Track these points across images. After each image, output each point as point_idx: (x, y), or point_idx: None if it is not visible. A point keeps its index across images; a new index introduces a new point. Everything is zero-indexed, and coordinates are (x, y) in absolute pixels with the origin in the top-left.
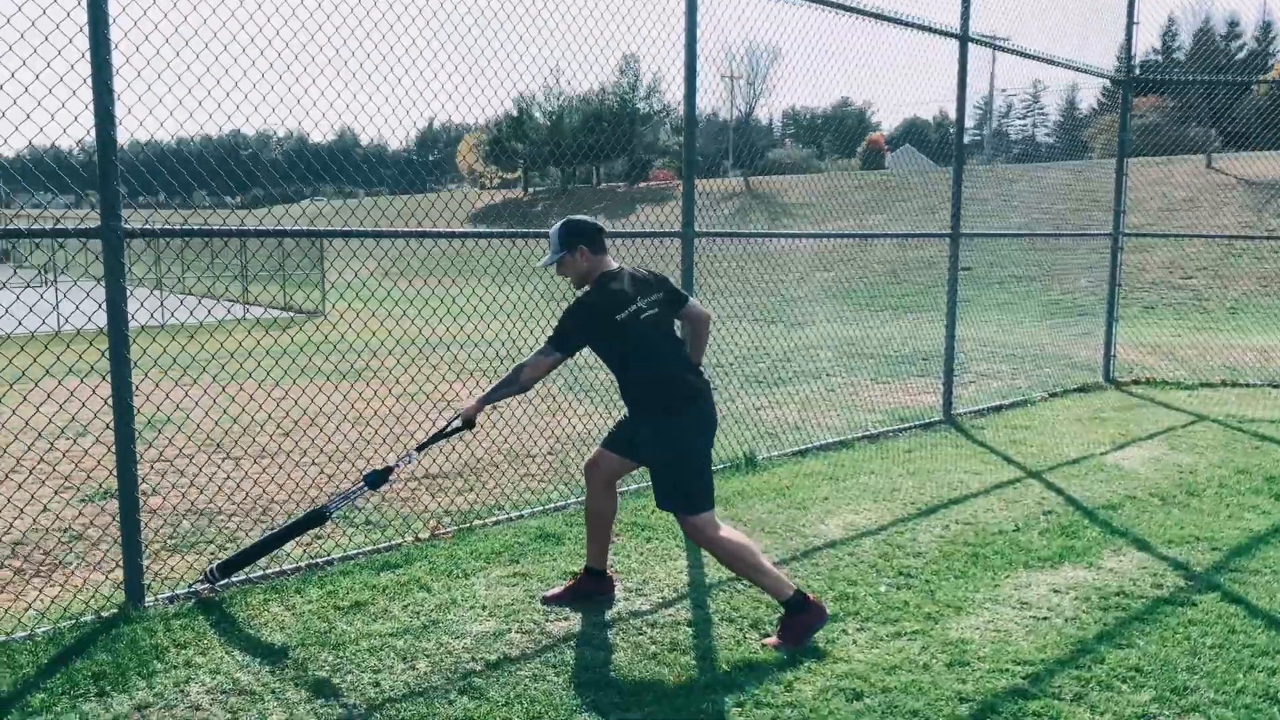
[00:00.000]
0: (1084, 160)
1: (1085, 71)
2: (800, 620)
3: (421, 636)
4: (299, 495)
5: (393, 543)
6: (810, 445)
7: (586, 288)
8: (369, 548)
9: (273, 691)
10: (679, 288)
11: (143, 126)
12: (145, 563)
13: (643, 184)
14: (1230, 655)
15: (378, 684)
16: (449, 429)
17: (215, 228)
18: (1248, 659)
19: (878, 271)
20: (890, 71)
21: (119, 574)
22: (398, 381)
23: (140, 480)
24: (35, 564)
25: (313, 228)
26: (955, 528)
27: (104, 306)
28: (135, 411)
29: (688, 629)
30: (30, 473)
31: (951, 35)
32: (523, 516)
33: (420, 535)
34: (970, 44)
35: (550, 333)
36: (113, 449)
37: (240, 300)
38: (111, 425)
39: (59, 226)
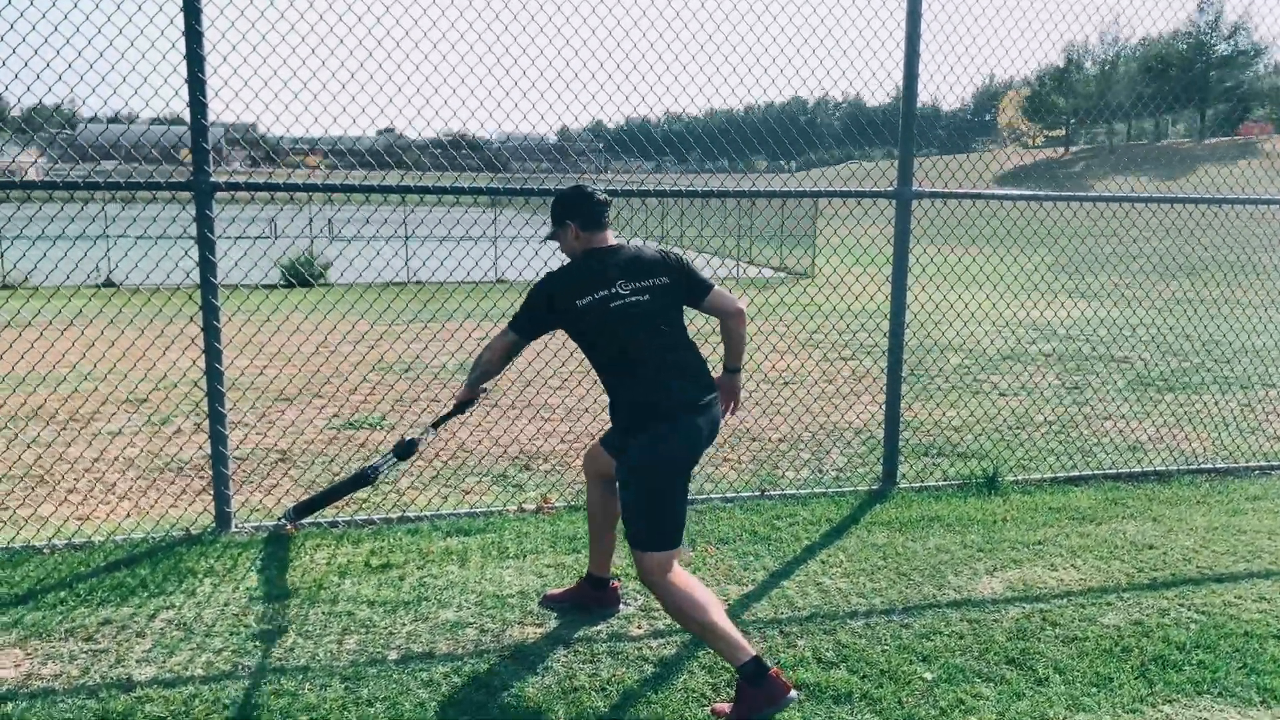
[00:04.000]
0: None
1: None
2: (751, 694)
3: (392, 613)
4: (484, 448)
5: (492, 508)
6: (1100, 472)
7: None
8: (465, 510)
9: (210, 635)
10: (698, 273)
11: (704, 96)
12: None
13: (1212, 140)
14: None
15: (291, 649)
16: (453, 410)
17: (301, 183)
18: None
19: None
20: None
21: (267, 499)
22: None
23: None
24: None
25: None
26: (1177, 614)
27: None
28: (220, 352)
29: (652, 669)
30: (309, 400)
31: None
32: None
33: (525, 506)
34: None
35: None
36: (379, 388)
37: (738, 259)
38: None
39: (151, 180)
